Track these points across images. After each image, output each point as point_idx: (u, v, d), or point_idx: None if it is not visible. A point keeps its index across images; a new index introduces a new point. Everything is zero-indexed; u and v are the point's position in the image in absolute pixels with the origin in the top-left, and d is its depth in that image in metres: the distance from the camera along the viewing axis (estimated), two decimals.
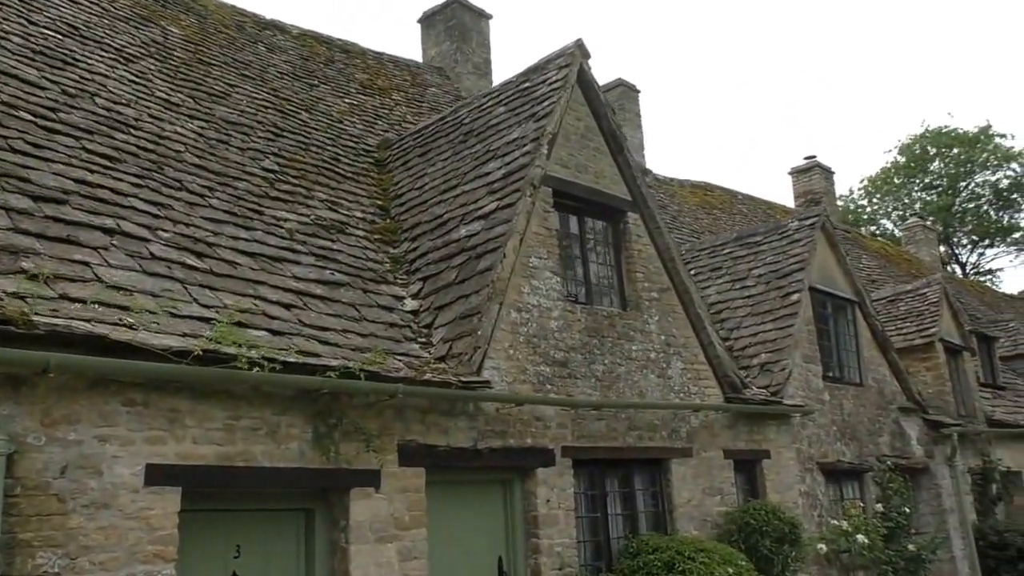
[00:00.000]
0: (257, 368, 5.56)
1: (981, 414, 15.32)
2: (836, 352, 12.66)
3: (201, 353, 5.41)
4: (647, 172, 17.64)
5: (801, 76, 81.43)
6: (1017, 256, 61.25)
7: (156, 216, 6.92)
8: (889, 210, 56.11)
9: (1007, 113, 77.09)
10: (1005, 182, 55.58)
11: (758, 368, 11.45)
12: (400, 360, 7.09)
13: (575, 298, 8.86)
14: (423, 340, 7.77)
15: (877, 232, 45.66)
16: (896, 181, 56.40)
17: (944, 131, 54.70)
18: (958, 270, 54.42)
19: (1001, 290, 44.60)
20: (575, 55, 9.39)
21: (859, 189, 56.94)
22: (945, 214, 56.39)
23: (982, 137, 54.27)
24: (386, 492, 6.59)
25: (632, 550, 8.35)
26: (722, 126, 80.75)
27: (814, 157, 22.97)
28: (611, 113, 9.67)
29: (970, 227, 57.09)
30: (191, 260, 6.64)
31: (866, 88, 79.14)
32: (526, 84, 9.79)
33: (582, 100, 9.49)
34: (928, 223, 29.56)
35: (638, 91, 17.60)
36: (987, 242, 58.57)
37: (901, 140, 57.71)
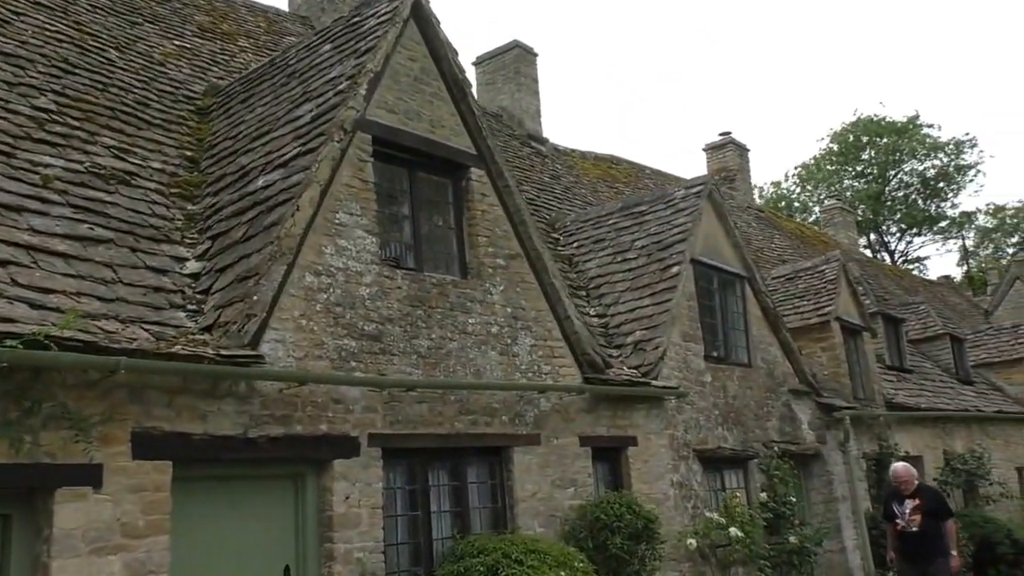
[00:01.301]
0: None
1: (880, 397, 14.55)
2: (722, 330, 11.70)
3: None
4: (544, 141, 16.52)
5: (736, 64, 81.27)
6: (943, 244, 62.05)
7: None
8: (821, 198, 55.99)
9: (935, 103, 77.93)
10: (932, 171, 56.07)
11: (632, 347, 10.41)
12: (148, 329, 5.84)
13: (397, 262, 7.67)
14: (194, 308, 6.53)
15: (810, 220, 45.31)
16: (828, 169, 56.39)
17: (875, 120, 54.79)
18: (887, 258, 54.67)
19: (927, 277, 44.74)
20: None
21: (793, 176, 56.92)
22: (875, 203, 56.60)
23: (910, 127, 54.52)
24: (111, 492, 5.32)
25: (457, 553, 7.22)
26: (648, 109, 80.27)
27: (729, 133, 22.09)
28: (454, 55, 8.46)
29: (899, 215, 57.44)
30: None
31: (802, 76, 79.28)
32: (356, 19, 8.56)
33: (419, 39, 8.28)
34: (846, 206, 28.90)
35: (536, 55, 16.44)
36: (915, 231, 59.09)
37: (833, 128, 57.51)
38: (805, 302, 13.83)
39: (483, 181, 8.50)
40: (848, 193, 55.61)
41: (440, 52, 8.33)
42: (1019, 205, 63.67)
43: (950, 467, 15.87)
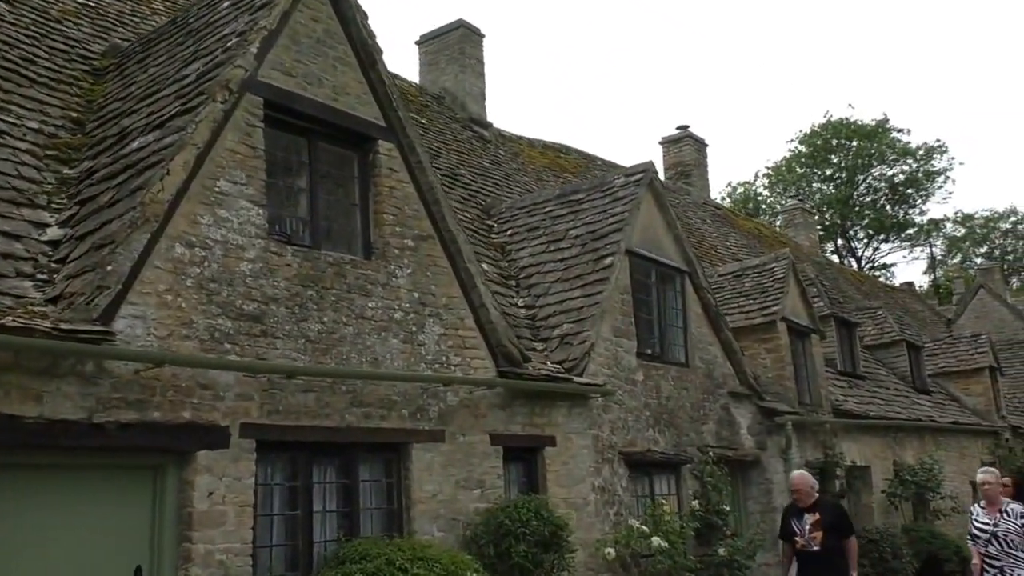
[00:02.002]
0: None
1: (828, 403, 14.08)
2: (658, 327, 11.15)
3: None
4: (488, 125, 15.91)
5: (707, 61, 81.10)
6: (910, 252, 62.05)
7: None
8: (789, 200, 55.85)
9: (906, 106, 78.15)
10: (901, 177, 56.03)
11: (558, 340, 9.84)
12: None
13: (288, 238, 7.03)
14: (45, 277, 5.88)
15: (777, 224, 45.14)
16: (798, 171, 56.18)
17: (845, 123, 54.64)
18: (854, 264, 54.57)
19: (890, 283, 44.60)
20: None
21: (762, 176, 56.70)
22: (843, 207, 56.49)
23: (879, 131, 54.41)
24: None
25: (340, 557, 6.59)
26: (609, 101, 79.90)
27: (687, 127, 21.58)
28: (364, 19, 7.83)
29: (867, 221, 57.35)
30: None
31: (774, 75, 79.23)
32: None
33: None
34: (807, 207, 28.51)
35: (482, 35, 15.81)
36: (882, 237, 59.05)
37: (803, 130, 57.30)
38: (751, 301, 13.33)
39: (392, 155, 7.87)
40: (817, 196, 55.52)
41: (348, 14, 7.70)
42: (988, 214, 64.04)
43: (899, 479, 15.44)
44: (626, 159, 25.46)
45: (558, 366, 9.37)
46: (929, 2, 75.48)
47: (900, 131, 54.70)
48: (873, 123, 53.99)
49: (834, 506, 8.72)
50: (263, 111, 6.86)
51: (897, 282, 46.80)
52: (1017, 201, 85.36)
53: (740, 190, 55.93)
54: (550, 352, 9.71)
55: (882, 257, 58.65)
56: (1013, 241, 66.21)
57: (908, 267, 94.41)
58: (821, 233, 56.21)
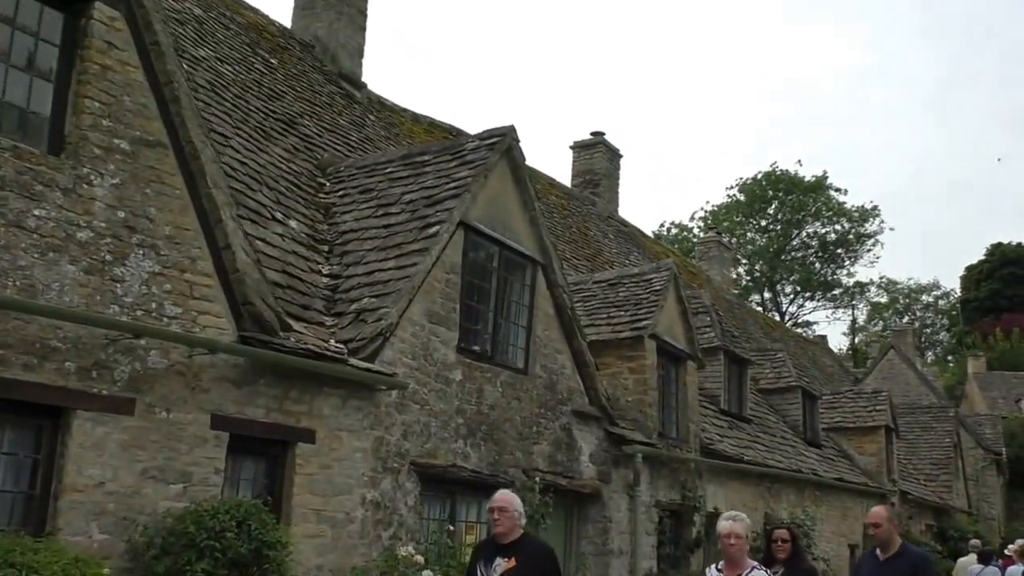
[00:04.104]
0: None
1: (696, 440, 12.35)
2: (493, 322, 9.28)
3: None
4: (361, 85, 13.98)
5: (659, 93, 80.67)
6: (833, 312, 61.70)
7: None
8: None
9: (844, 167, 78.62)
10: (833, 236, 55.61)
11: (353, 316, 7.90)
12: None
13: None
14: None
15: (694, 257, 43.94)
16: (735, 219, 55.38)
17: (786, 175, 54.08)
18: (778, 318, 53.71)
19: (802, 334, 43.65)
20: None
21: (699, 219, 55.66)
22: (773, 259, 55.84)
23: (818, 187, 53.95)
24: None
25: None
26: (542, 107, 78.73)
27: (602, 133, 19.94)
28: None
29: (795, 276, 56.77)
30: None
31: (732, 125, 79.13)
32: None
33: None
34: (724, 241, 27.10)
35: None
36: (808, 294, 58.54)
37: (744, 177, 56.61)
38: (623, 312, 11.56)
39: (116, 26, 5.89)
40: (749, 246, 54.75)
41: None
42: (913, 285, 64.20)
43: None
44: (537, 161, 23.79)
45: (342, 346, 7.44)
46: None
47: (838, 190, 54.36)
48: (814, 179, 53.54)
49: (541, 551, 5.69)
50: None
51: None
52: (940, 275, 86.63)
53: (674, 231, 54.92)
54: (340, 329, 7.77)
55: (806, 314, 58.15)
56: (933, 315, 66.62)
57: (830, 327, 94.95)
58: (749, 284, 55.66)
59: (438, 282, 8.46)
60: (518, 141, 9.66)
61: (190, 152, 6.26)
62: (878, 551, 6.39)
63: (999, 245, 58.13)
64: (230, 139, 9.14)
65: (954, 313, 62.57)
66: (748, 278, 56.08)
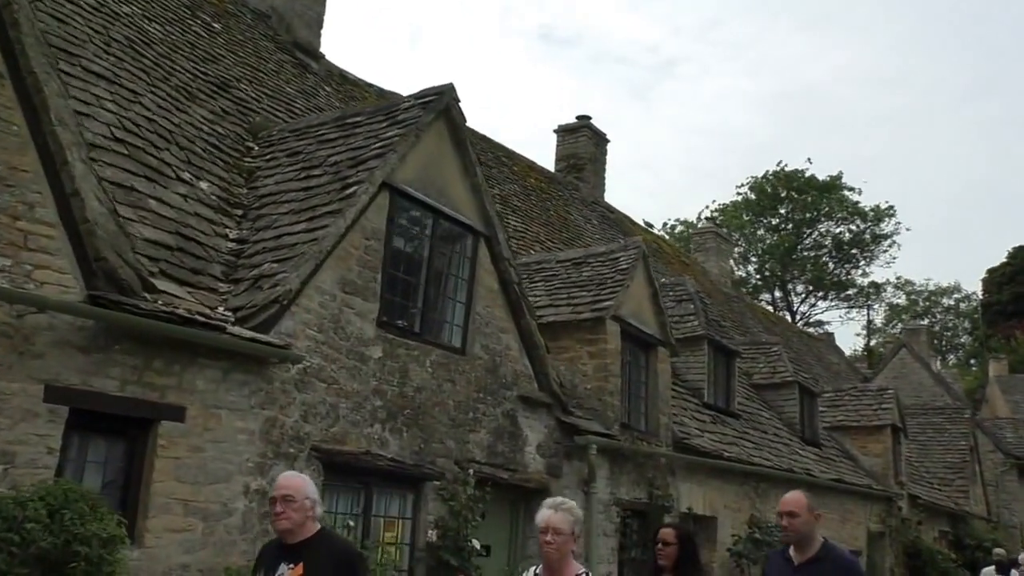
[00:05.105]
0: None
1: (668, 433, 11.39)
2: (424, 295, 8.40)
3: None
4: (319, 56, 13.15)
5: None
6: (847, 312, 60.27)
7: None
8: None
9: (859, 167, 77.07)
10: (848, 235, 54.21)
11: (250, 282, 7.05)
12: None
13: None
14: None
15: (691, 249, 42.70)
16: (744, 218, 54.14)
17: (798, 174, 52.84)
18: (789, 317, 52.41)
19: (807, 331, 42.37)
20: None
21: (706, 219, 54.45)
22: (786, 259, 54.51)
23: (832, 186, 52.66)
24: None
25: None
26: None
27: (588, 118, 19.01)
28: None
29: (807, 276, 55.40)
30: None
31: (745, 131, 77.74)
32: None
33: None
34: (722, 232, 26.00)
35: None
36: (821, 294, 57.13)
37: (755, 175, 55.38)
38: (585, 292, 10.62)
39: None
40: (759, 246, 53.49)
41: None
42: (933, 288, 62.67)
43: (752, 537, 12.78)
44: (521, 146, 22.92)
45: (230, 314, 6.59)
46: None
47: (852, 189, 53.01)
48: (828, 179, 52.26)
49: (339, 556, 4.27)
50: None
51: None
52: (961, 277, 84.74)
53: (679, 228, 53.75)
54: (233, 296, 6.92)
55: (818, 314, 56.72)
56: (954, 318, 64.97)
57: (843, 327, 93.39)
58: (759, 283, 54.38)
59: (355, 248, 7.59)
60: (458, 101, 8.77)
61: (32, 84, 5.44)
62: (791, 551, 4.93)
63: (1022, 248, 56.58)
64: (140, 95, 8.36)
65: (976, 316, 60.99)
66: (758, 276, 54.91)
